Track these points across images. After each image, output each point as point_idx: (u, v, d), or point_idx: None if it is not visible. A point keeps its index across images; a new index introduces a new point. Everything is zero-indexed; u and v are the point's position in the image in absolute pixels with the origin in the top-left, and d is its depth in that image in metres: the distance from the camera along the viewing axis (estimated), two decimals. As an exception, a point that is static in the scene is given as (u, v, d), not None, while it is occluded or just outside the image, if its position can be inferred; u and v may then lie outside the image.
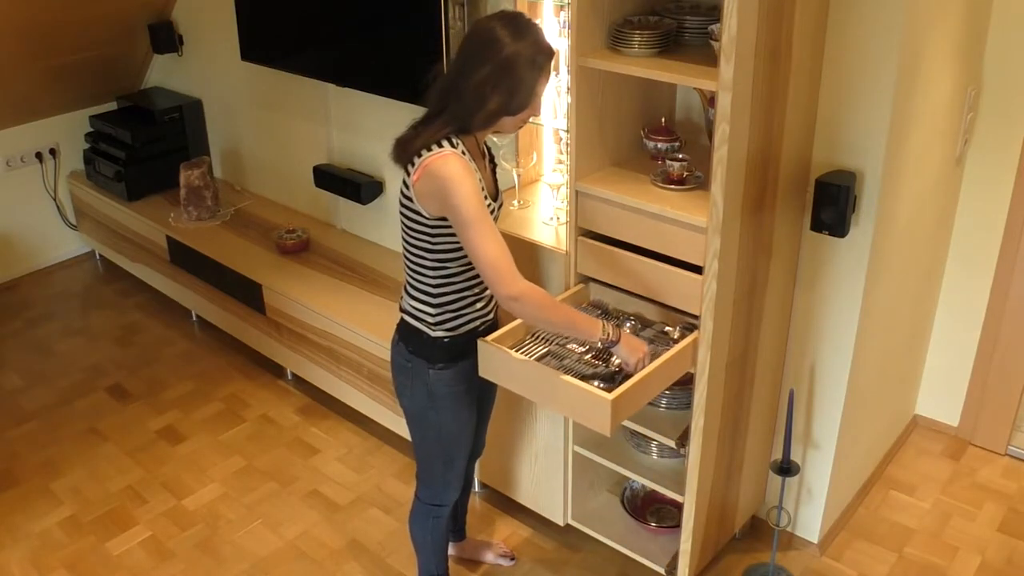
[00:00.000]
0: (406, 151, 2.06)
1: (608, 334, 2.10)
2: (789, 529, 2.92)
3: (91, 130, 4.66)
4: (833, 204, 2.37)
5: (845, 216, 2.38)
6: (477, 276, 2.19)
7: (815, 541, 2.90)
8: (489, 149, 2.27)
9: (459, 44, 2.08)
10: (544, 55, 2.04)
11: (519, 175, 2.78)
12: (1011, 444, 3.30)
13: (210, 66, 4.46)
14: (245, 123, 4.41)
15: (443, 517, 2.52)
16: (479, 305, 2.24)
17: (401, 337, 2.28)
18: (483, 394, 2.48)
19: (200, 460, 3.41)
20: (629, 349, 2.14)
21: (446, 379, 2.25)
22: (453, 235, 2.07)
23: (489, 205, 2.12)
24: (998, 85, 2.87)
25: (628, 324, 2.39)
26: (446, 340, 2.22)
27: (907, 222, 2.69)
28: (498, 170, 2.33)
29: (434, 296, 2.19)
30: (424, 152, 2.02)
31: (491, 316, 2.30)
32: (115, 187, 4.47)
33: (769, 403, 2.73)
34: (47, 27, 4.00)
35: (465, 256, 2.12)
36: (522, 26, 2.02)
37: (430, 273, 2.16)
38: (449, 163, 1.99)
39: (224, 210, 4.30)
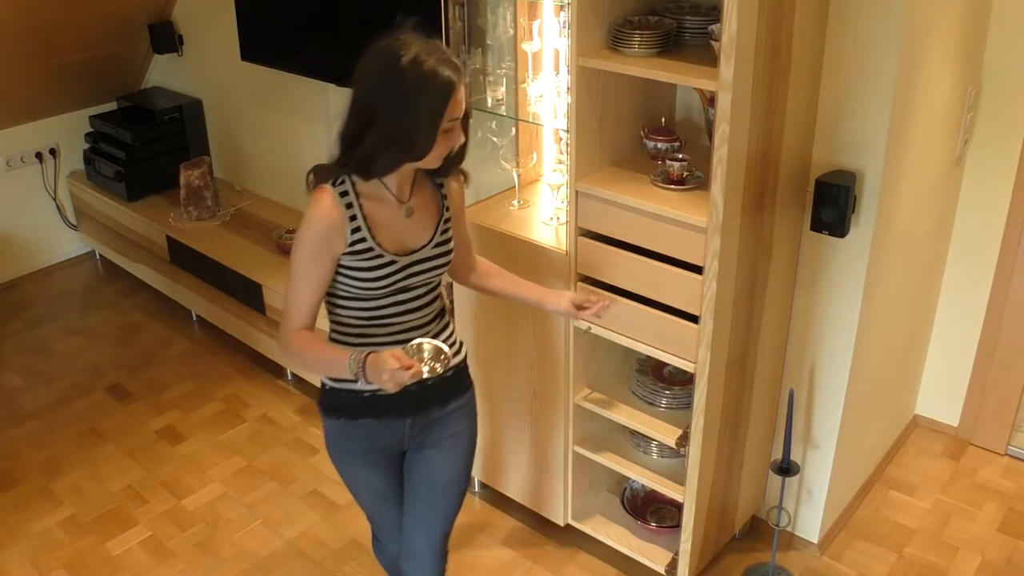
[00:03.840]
0: (307, 184, 1.91)
1: (355, 367, 1.80)
2: (789, 529, 2.92)
3: (91, 130, 4.66)
4: (833, 204, 2.37)
5: (845, 216, 2.38)
6: (366, 332, 1.96)
7: (815, 541, 2.90)
8: (441, 186, 2.00)
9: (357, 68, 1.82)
10: (435, 90, 1.74)
11: (519, 175, 2.77)
12: (1011, 444, 3.29)
13: (210, 66, 4.46)
14: (245, 123, 4.41)
15: (380, 552, 2.33)
16: None
17: None
18: (414, 480, 2.13)
19: (200, 460, 3.41)
20: (374, 372, 1.77)
21: (331, 429, 2.06)
22: (337, 278, 1.90)
23: (381, 259, 1.87)
24: (998, 85, 2.87)
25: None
26: (327, 388, 2.02)
27: (907, 222, 2.69)
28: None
29: (331, 337, 2.01)
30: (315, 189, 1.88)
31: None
32: (115, 187, 4.47)
33: (769, 403, 2.73)
34: (47, 27, 4.00)
35: (350, 307, 1.94)
36: (413, 57, 1.74)
37: (330, 312, 2.00)
38: (313, 203, 1.84)
39: (224, 210, 4.30)
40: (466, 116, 1.87)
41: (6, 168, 4.52)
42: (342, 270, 1.88)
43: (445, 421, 2.09)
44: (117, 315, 4.40)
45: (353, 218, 1.85)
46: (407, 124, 1.76)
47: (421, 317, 2.00)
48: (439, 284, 2.05)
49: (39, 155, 4.63)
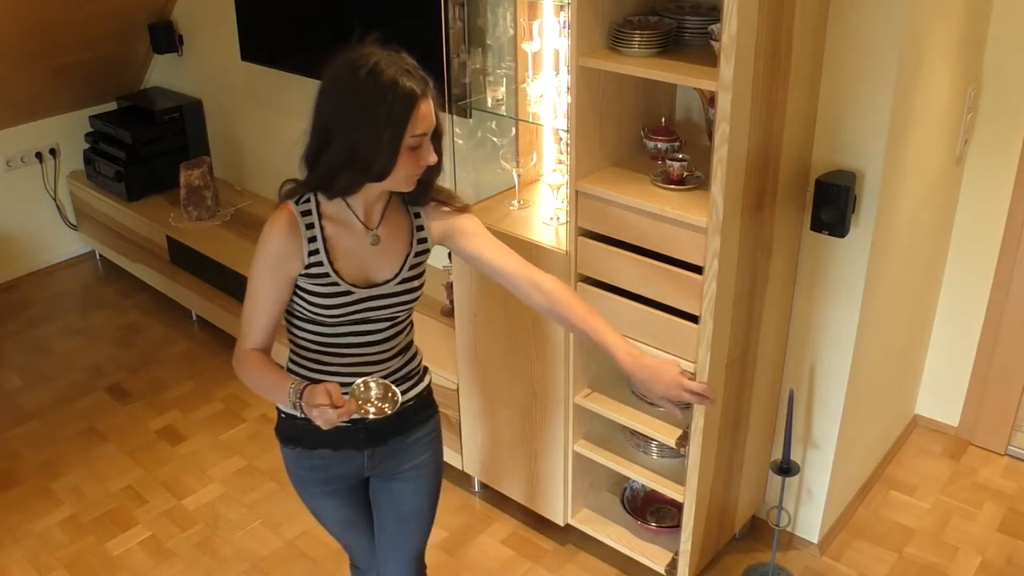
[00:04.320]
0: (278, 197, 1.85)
1: (294, 396, 1.71)
2: (789, 529, 2.92)
3: (91, 130, 4.66)
4: (833, 204, 2.37)
5: (845, 216, 2.38)
6: (322, 360, 1.88)
7: (815, 541, 2.90)
8: (416, 215, 1.87)
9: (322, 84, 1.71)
10: (394, 102, 1.63)
11: (519, 175, 2.77)
12: (1011, 444, 3.29)
13: (210, 66, 4.46)
14: (245, 123, 4.41)
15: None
16: None
17: None
18: (381, 511, 2.07)
19: (200, 460, 3.41)
20: (307, 405, 1.67)
21: (288, 458, 1.98)
22: (294, 299, 1.82)
23: (336, 287, 1.77)
24: (998, 85, 2.87)
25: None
26: (282, 415, 1.94)
27: (907, 222, 2.69)
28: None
29: (289, 357, 1.95)
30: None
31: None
32: (115, 187, 4.47)
33: (769, 403, 2.73)
34: (47, 27, 4.00)
35: (307, 329, 1.86)
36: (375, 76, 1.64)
37: (288, 330, 1.92)
38: (270, 220, 1.77)
39: (224, 210, 4.30)
40: (438, 134, 1.74)
41: (6, 168, 4.52)
42: (299, 291, 1.80)
43: (407, 451, 2.00)
44: (117, 315, 4.40)
45: (312, 240, 1.76)
46: (365, 140, 1.65)
47: (381, 352, 1.89)
48: (406, 319, 1.92)
49: (39, 155, 4.63)
